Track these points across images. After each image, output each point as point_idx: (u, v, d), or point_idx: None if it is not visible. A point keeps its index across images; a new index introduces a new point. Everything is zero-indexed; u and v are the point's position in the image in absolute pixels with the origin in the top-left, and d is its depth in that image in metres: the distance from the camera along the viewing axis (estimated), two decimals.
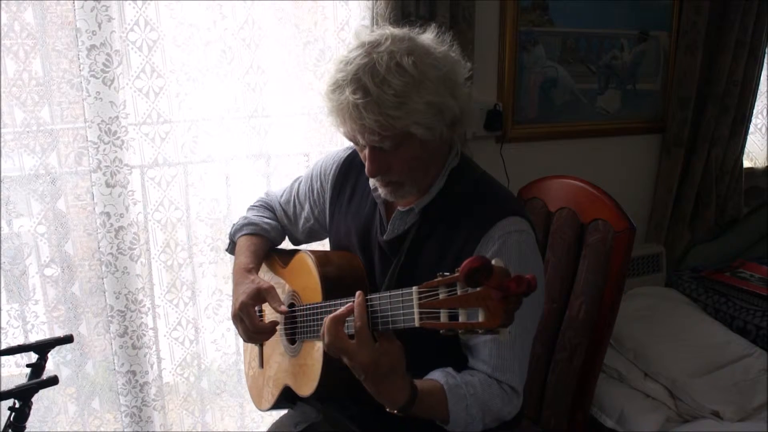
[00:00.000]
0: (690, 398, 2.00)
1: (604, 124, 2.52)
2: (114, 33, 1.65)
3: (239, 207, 1.86)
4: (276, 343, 1.40)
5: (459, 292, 0.84)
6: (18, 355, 1.64)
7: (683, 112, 2.54)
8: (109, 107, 1.68)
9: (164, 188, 1.84)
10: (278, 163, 1.97)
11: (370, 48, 1.09)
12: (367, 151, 1.14)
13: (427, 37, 1.14)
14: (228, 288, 1.92)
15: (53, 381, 1.29)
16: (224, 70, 1.82)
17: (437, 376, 1.13)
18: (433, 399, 1.08)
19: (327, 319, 1.04)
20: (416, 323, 0.92)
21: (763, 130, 2.94)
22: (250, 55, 1.83)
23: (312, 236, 1.54)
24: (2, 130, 1.63)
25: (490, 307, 0.81)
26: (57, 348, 1.47)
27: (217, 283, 1.96)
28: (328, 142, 1.98)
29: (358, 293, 1.03)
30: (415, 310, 0.91)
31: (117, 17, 1.66)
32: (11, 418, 1.27)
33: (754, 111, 2.73)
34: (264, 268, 1.48)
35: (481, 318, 0.82)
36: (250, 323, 1.29)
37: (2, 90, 1.62)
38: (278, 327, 1.34)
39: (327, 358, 1.15)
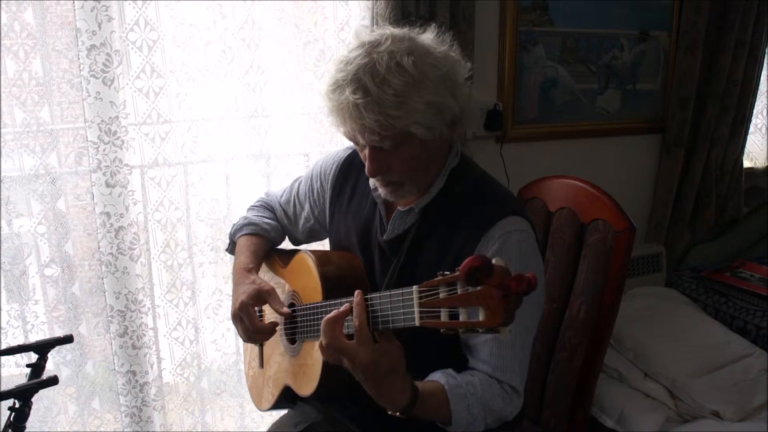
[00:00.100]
0: (690, 398, 2.00)
1: (604, 124, 2.52)
2: (114, 33, 1.65)
3: (239, 207, 1.86)
4: (276, 343, 1.40)
5: (459, 291, 0.84)
6: (18, 355, 1.64)
7: (683, 112, 2.54)
8: (109, 107, 1.68)
9: (164, 188, 1.84)
10: (278, 163, 1.97)
11: (370, 48, 1.09)
12: (367, 151, 1.14)
13: (427, 37, 1.14)
14: (228, 288, 1.92)
15: (53, 381, 1.29)
16: (224, 70, 1.82)
17: (437, 377, 1.12)
18: (434, 400, 1.08)
19: (323, 320, 1.03)
20: (417, 322, 0.91)
21: (763, 130, 2.94)
22: (250, 55, 1.83)
23: (312, 236, 1.54)
24: (2, 130, 1.63)
25: (490, 306, 0.81)
26: (57, 348, 1.47)
27: (217, 283, 1.96)
28: (328, 142, 1.98)
29: (357, 292, 1.02)
30: (416, 309, 0.91)
31: (117, 17, 1.66)
32: (11, 418, 1.27)
33: (754, 111, 2.73)
34: (264, 268, 1.48)
35: (481, 317, 0.82)
36: (249, 323, 1.28)
37: (2, 90, 1.62)
38: (278, 327, 1.34)
39: None
